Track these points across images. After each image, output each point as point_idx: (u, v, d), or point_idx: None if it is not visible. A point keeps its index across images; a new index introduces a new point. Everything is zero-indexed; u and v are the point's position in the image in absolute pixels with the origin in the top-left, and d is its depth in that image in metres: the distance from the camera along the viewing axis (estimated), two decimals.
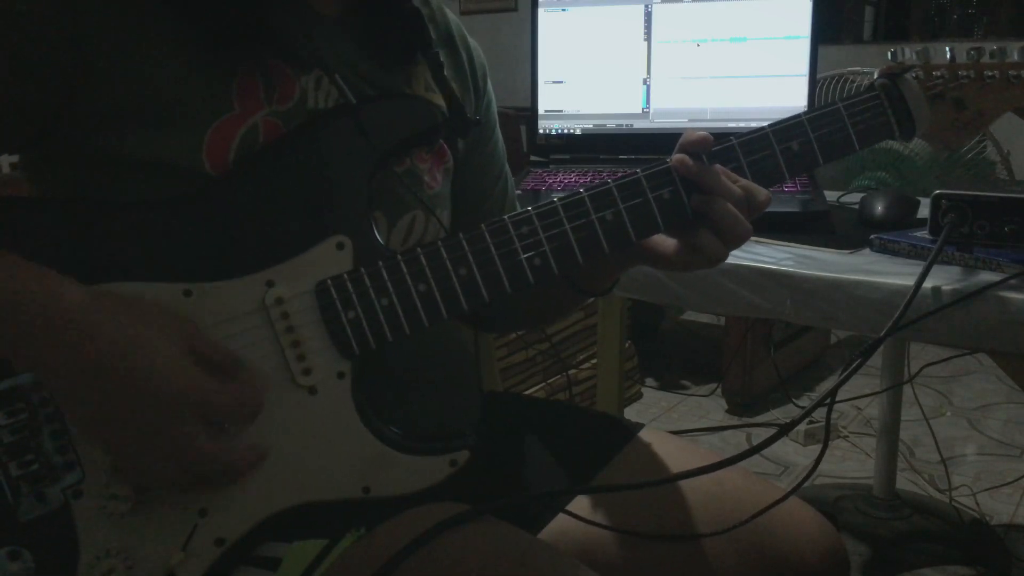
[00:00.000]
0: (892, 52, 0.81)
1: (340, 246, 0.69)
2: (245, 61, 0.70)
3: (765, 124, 0.76)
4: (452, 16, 0.90)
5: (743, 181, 0.74)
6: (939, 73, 0.79)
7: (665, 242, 0.77)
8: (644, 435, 0.92)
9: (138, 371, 0.60)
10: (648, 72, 1.44)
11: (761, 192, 0.74)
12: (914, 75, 0.78)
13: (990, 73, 0.79)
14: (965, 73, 0.79)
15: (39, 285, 0.60)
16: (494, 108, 0.94)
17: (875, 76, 0.78)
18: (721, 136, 0.75)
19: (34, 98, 0.66)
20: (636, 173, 0.73)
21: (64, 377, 0.60)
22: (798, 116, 0.76)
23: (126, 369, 0.60)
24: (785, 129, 0.76)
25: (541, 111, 1.50)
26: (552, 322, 2.26)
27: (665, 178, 0.74)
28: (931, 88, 0.79)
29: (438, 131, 0.75)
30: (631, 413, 2.58)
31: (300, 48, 0.73)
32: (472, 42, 0.91)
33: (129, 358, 0.60)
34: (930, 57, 0.80)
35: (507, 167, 0.96)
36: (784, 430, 0.77)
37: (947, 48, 0.80)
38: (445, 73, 0.81)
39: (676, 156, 0.74)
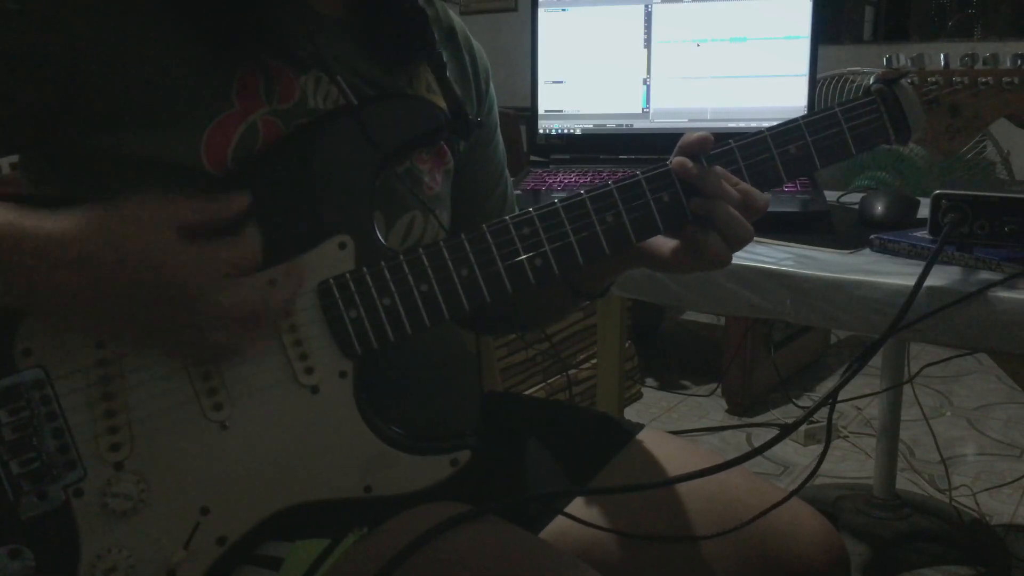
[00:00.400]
0: (887, 58, 0.82)
1: (342, 246, 0.69)
2: (245, 60, 0.70)
3: (765, 125, 0.77)
4: (456, 18, 0.90)
5: (743, 185, 0.74)
6: (934, 79, 0.80)
7: (665, 244, 0.77)
8: (644, 435, 0.92)
9: (134, 263, 0.60)
10: (648, 72, 1.44)
11: (760, 197, 0.74)
12: (909, 80, 0.79)
13: (984, 79, 0.80)
14: (959, 79, 0.80)
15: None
16: (496, 111, 0.95)
17: (871, 81, 0.79)
18: (721, 137, 0.75)
19: (32, 97, 0.66)
20: (636, 175, 0.74)
21: (68, 296, 0.60)
22: (795, 120, 0.77)
23: (124, 266, 0.60)
24: (783, 133, 0.76)
25: (541, 111, 1.50)
26: (548, 324, 2.26)
27: (665, 180, 0.74)
28: (926, 94, 0.80)
29: (441, 132, 0.75)
30: (631, 413, 2.58)
31: (300, 48, 0.73)
32: (475, 44, 0.91)
33: (121, 254, 0.60)
34: (925, 63, 0.81)
35: (507, 171, 0.97)
36: (785, 432, 0.78)
37: (941, 54, 0.81)
38: (448, 74, 0.81)
39: (676, 159, 0.74)
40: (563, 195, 0.73)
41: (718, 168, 0.74)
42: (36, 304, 0.62)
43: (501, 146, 0.95)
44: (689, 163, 0.73)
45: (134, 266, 0.60)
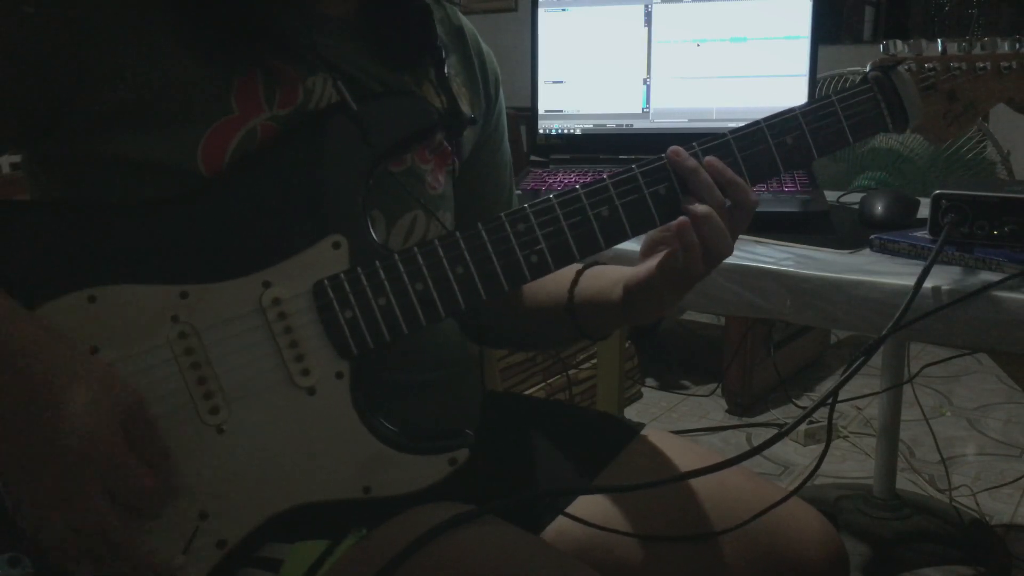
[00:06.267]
0: (884, 45, 0.81)
1: (336, 245, 0.69)
2: (248, 62, 0.70)
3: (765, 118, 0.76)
4: (467, 23, 0.90)
5: (735, 181, 0.72)
6: (931, 65, 0.79)
7: (644, 267, 0.76)
8: (645, 435, 0.92)
9: (62, 417, 0.58)
10: (648, 72, 1.44)
11: (749, 198, 0.73)
12: (907, 67, 0.78)
13: (981, 64, 0.79)
14: (957, 65, 0.79)
15: None
16: (504, 118, 0.94)
17: (868, 69, 0.78)
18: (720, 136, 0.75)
19: (33, 94, 0.66)
20: (632, 169, 0.73)
21: None
22: (792, 110, 0.76)
23: (51, 412, 0.58)
24: (779, 123, 0.75)
25: (541, 111, 1.50)
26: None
27: (661, 174, 0.73)
28: (923, 80, 0.79)
29: (434, 129, 0.75)
30: (631, 413, 2.58)
31: (306, 50, 0.72)
32: (486, 49, 0.91)
33: (58, 402, 0.58)
34: (922, 49, 0.80)
35: (512, 182, 0.97)
36: (785, 431, 0.77)
37: (939, 40, 0.80)
38: (448, 71, 0.80)
39: (673, 147, 0.73)
40: (557, 193, 0.72)
41: (713, 160, 0.73)
42: None
43: (508, 155, 0.95)
44: (684, 152, 0.72)
45: (68, 411, 0.58)
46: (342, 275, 0.68)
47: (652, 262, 0.75)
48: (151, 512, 0.63)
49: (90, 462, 0.58)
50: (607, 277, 0.82)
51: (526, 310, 0.90)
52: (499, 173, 0.94)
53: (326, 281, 0.68)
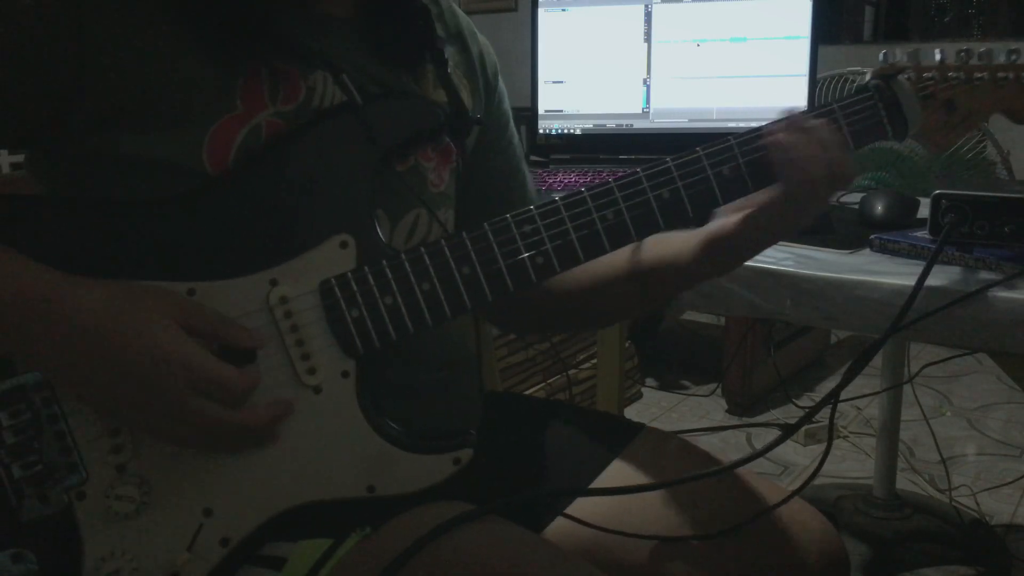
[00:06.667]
0: (884, 54, 0.82)
1: (343, 245, 0.69)
2: (251, 61, 0.70)
3: (764, 124, 0.76)
4: (462, 14, 0.90)
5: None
6: (930, 75, 0.80)
7: (729, 221, 0.76)
8: (645, 435, 0.92)
9: (125, 334, 0.60)
10: (648, 72, 1.44)
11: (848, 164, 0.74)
12: (906, 76, 0.79)
13: (979, 75, 0.80)
14: (955, 75, 0.80)
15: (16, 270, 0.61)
16: (507, 103, 0.94)
17: (868, 77, 0.79)
18: (720, 136, 0.75)
19: (36, 92, 0.66)
20: (637, 172, 0.74)
21: (54, 352, 0.61)
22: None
23: (113, 332, 0.60)
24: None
25: (541, 111, 1.50)
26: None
27: (665, 177, 0.74)
28: (922, 89, 0.80)
29: (440, 129, 0.76)
30: (631, 413, 2.58)
31: (307, 49, 0.73)
32: (482, 39, 0.92)
33: (117, 321, 0.60)
34: (921, 59, 0.81)
35: (525, 164, 0.96)
36: (787, 433, 0.78)
37: (936, 50, 0.81)
38: (451, 71, 0.81)
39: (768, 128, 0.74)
40: (563, 195, 0.73)
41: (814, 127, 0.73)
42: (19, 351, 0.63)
43: (516, 138, 0.95)
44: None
45: (129, 337, 0.60)
46: (349, 274, 0.69)
47: (741, 213, 0.75)
48: (246, 392, 0.64)
49: (167, 368, 0.60)
50: (676, 237, 0.81)
51: (581, 285, 0.88)
52: (511, 159, 0.94)
53: (333, 280, 0.69)
